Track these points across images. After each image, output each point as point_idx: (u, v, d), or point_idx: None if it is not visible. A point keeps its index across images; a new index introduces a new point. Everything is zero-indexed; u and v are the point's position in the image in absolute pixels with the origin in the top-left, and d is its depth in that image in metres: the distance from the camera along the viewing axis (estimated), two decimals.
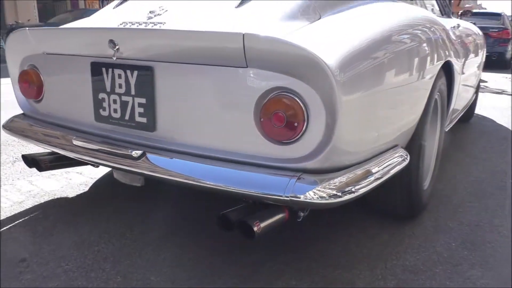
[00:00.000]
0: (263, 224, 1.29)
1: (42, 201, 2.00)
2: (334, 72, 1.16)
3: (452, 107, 2.46)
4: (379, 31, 1.51)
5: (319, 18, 1.52)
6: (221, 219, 1.34)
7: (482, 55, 3.63)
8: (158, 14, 1.63)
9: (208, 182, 1.30)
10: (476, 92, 4.00)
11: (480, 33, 3.80)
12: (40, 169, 1.88)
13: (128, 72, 1.47)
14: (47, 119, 1.80)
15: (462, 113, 3.23)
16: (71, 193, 2.11)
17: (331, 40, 1.37)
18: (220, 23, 1.50)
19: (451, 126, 2.76)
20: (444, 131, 2.31)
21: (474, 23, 10.22)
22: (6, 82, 6.43)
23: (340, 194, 1.21)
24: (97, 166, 1.68)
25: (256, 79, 1.26)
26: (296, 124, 1.22)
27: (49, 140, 1.69)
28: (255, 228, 1.26)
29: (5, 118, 1.90)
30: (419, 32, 1.83)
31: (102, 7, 20.28)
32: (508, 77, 8.48)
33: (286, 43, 1.18)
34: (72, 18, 13.71)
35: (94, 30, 1.61)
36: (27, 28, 1.71)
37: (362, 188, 1.29)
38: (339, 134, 1.21)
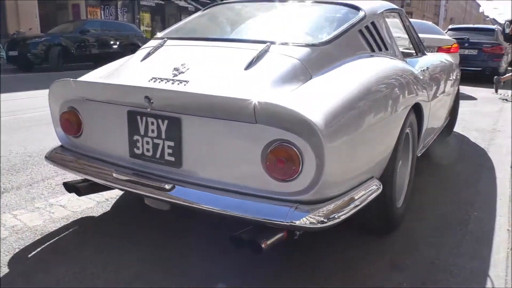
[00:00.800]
0: (268, 242, 1.62)
1: (25, 238, 2.12)
2: (320, 128, 1.52)
3: (422, 135, 2.72)
4: (358, 87, 1.89)
5: (311, 78, 1.90)
6: (234, 239, 1.65)
7: (454, 80, 3.89)
8: (182, 72, 1.93)
9: (223, 210, 1.65)
10: (453, 112, 4.26)
11: (452, 60, 4.04)
12: (79, 194, 2.24)
13: (160, 121, 1.81)
14: (83, 152, 2.13)
15: (435, 137, 3.44)
16: (53, 229, 2.23)
17: (318, 100, 1.71)
18: (233, 84, 1.84)
19: (424, 150, 2.98)
20: (416, 156, 2.56)
21: (468, 38, 10.37)
22: (6, 98, 6.55)
23: (326, 220, 1.57)
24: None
25: (262, 132, 1.61)
26: (293, 167, 1.58)
27: (90, 171, 2.03)
28: (263, 245, 1.60)
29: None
30: (392, 81, 2.20)
31: (104, 16, 20.33)
32: (499, 92, 8.58)
33: (285, 108, 1.53)
34: (73, 28, 13.86)
35: (132, 87, 1.88)
36: (71, 79, 2.03)
37: (343, 215, 1.64)
38: (326, 173, 1.56)
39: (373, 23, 2.45)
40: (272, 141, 1.60)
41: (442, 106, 3.42)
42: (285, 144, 1.58)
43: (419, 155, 2.74)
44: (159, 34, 2.55)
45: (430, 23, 9.62)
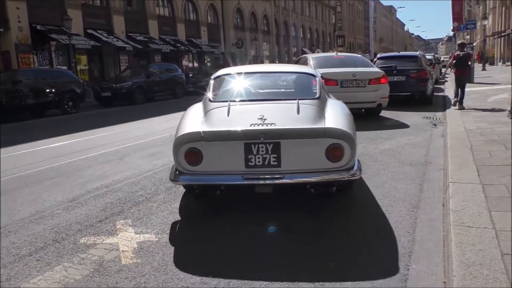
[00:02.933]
0: (332, 190, 3.86)
1: None
2: (351, 135, 3.38)
3: None
4: (346, 114, 3.89)
5: (325, 115, 3.64)
6: (316, 193, 3.79)
7: None
8: (265, 119, 3.40)
9: (312, 180, 3.43)
10: None
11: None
12: (202, 197, 4.04)
13: (267, 145, 3.30)
14: (203, 172, 3.38)
15: None
16: None
17: (342, 123, 3.50)
18: (300, 121, 3.49)
19: None
20: None
21: (395, 66, 10.98)
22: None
23: (352, 177, 3.40)
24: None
25: (325, 141, 3.32)
26: (341, 155, 3.32)
27: (223, 179, 3.44)
28: (331, 191, 3.87)
29: None
30: (345, 107, 4.25)
31: (37, 62, 19.52)
32: (428, 116, 9.14)
33: (337, 129, 3.38)
34: (4, 79, 13.27)
35: (254, 131, 3.30)
36: (201, 131, 3.35)
37: (359, 174, 3.48)
38: (354, 156, 3.40)
39: (322, 82, 4.43)
40: (330, 144, 3.30)
41: None
42: (336, 144, 3.30)
43: None
44: (210, 96, 4.06)
45: (360, 56, 10.18)
